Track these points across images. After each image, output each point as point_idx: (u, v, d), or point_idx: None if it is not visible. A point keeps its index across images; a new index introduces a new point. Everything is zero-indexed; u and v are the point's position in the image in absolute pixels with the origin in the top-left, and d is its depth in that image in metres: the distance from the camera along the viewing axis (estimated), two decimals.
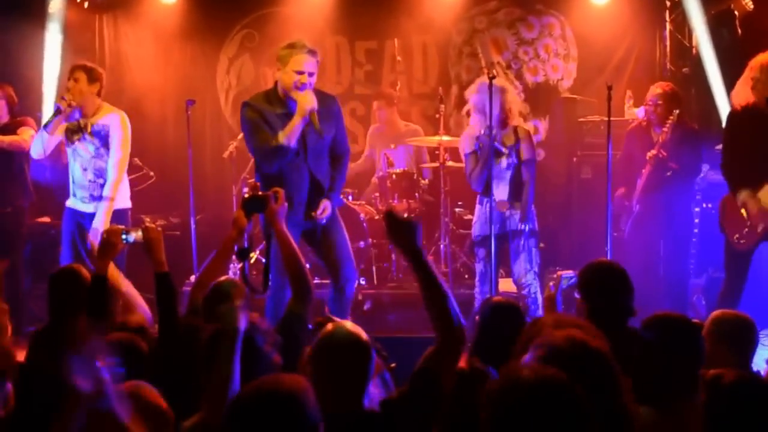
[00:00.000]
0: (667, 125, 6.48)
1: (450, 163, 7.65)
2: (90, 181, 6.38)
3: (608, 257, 6.11)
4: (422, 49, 9.42)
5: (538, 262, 6.38)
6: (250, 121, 5.38)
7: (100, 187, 6.36)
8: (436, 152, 7.80)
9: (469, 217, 8.08)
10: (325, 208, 5.44)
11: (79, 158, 6.40)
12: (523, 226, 6.26)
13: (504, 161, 6.28)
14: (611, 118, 6.44)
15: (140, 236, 4.15)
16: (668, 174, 6.55)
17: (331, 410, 2.68)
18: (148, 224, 4.31)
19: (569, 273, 4.41)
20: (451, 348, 3.06)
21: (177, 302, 4.04)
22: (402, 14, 9.10)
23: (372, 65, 9.45)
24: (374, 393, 3.21)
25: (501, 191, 6.31)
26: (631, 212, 6.79)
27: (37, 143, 6.41)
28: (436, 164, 7.72)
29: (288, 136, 5.26)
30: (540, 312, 5.93)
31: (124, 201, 6.50)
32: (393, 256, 7.70)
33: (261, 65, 9.57)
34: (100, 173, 6.36)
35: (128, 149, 6.45)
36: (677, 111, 6.52)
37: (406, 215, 3.14)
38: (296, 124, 5.26)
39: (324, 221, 5.48)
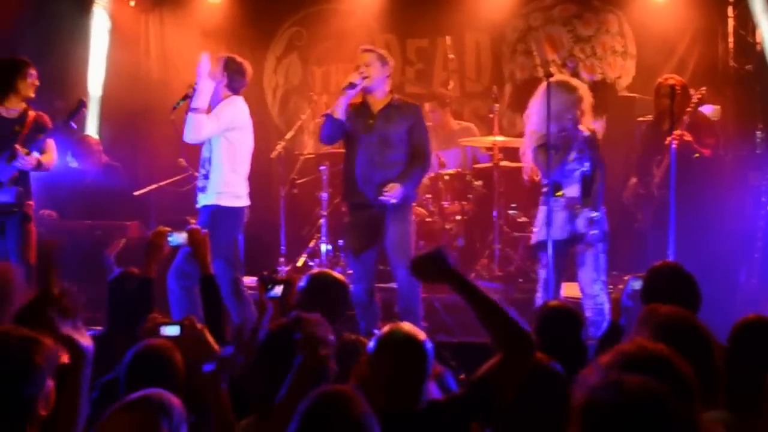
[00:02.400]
0: (692, 105, 6.42)
1: (504, 164, 7.42)
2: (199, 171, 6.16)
3: (671, 260, 5.83)
4: (475, 47, 9.20)
5: (605, 268, 6.00)
6: None
7: (204, 178, 6.05)
8: (490, 152, 7.57)
9: (523, 219, 7.86)
10: (391, 188, 5.73)
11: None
12: (592, 230, 5.93)
13: (573, 158, 5.97)
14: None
15: (185, 238, 4.06)
16: (696, 156, 6.46)
17: (388, 408, 2.75)
18: (193, 226, 4.21)
19: (637, 276, 4.22)
20: (518, 361, 2.91)
21: (221, 304, 4.08)
22: (454, 11, 8.92)
23: (423, 64, 9.26)
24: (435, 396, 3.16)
25: (571, 189, 5.99)
26: (651, 202, 6.64)
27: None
28: (490, 165, 7.49)
29: (333, 108, 5.88)
30: (606, 322, 5.66)
31: (239, 199, 6.12)
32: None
33: (309, 63, 9.45)
34: (202, 164, 6.09)
35: (225, 121, 6.04)
36: (704, 89, 6.53)
37: (428, 249, 3.05)
38: (340, 98, 5.87)
39: (389, 202, 5.74)
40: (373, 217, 5.85)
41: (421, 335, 2.99)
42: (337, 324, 4.03)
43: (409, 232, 5.91)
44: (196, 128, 5.88)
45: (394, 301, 6.78)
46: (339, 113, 5.82)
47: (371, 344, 3.01)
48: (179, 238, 4.13)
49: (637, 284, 4.16)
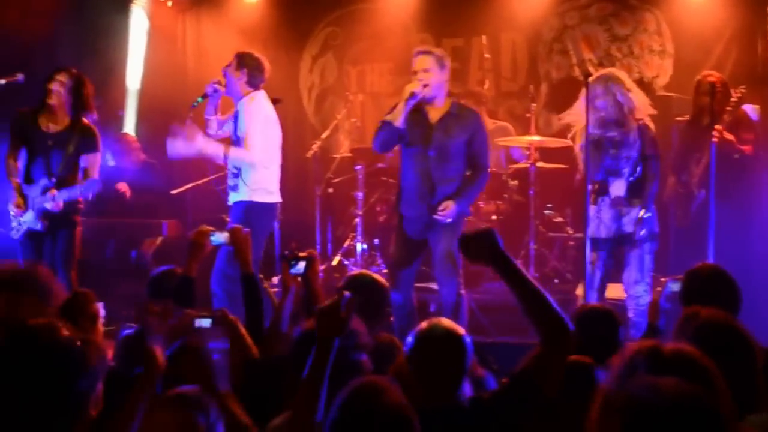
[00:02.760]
0: (732, 104, 6.33)
1: (540, 164, 7.38)
2: (228, 169, 6.11)
3: (710, 260, 5.75)
4: (511, 47, 9.16)
5: (651, 270, 5.87)
6: (388, 113, 5.77)
7: (234, 176, 6.02)
8: (526, 152, 7.53)
9: (559, 219, 7.82)
10: (446, 207, 5.55)
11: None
12: (640, 230, 5.86)
13: (621, 157, 5.87)
14: None
15: (227, 237, 4.07)
16: (736, 156, 6.37)
17: (427, 404, 2.73)
18: (235, 225, 4.24)
19: (675, 278, 4.16)
20: (558, 351, 2.91)
21: (262, 303, 4.04)
22: (490, 11, 8.88)
23: (459, 63, 9.21)
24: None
25: (617, 187, 5.88)
26: (690, 201, 6.58)
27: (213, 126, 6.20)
28: (526, 164, 7.46)
29: (392, 115, 5.58)
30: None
31: (271, 195, 6.06)
32: None
33: (344, 63, 9.47)
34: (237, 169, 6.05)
35: (259, 129, 6.00)
36: (743, 88, 6.41)
37: (480, 227, 3.03)
38: (399, 106, 5.55)
39: (444, 221, 5.55)
40: (423, 231, 5.70)
41: (460, 330, 2.98)
42: (377, 326, 4.04)
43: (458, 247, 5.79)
44: (242, 161, 5.93)
45: (430, 302, 6.80)
46: (399, 122, 5.54)
47: (410, 339, 2.99)
48: (221, 237, 4.14)
49: (676, 286, 4.10)
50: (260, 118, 6.00)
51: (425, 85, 5.57)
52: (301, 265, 4.18)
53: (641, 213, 5.81)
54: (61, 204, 6.01)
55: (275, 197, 6.10)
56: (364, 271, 4.15)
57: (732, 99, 6.38)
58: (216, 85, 6.09)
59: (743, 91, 6.46)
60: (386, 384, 2.50)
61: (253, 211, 5.91)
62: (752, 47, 8.51)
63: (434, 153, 5.63)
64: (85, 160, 6.14)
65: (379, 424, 2.40)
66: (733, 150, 6.40)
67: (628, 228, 5.83)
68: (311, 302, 4.16)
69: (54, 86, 6.03)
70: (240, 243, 4.13)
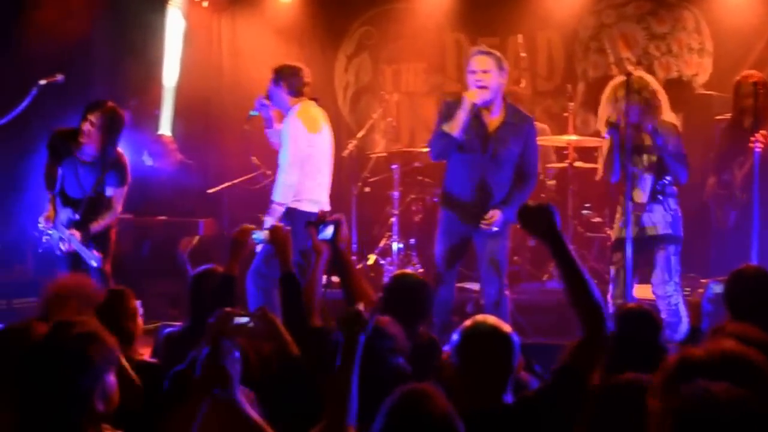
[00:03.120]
0: None
1: (578, 164, 7.32)
2: None
3: (753, 263, 5.67)
4: (547, 45, 9.10)
5: (678, 270, 5.80)
6: (439, 113, 5.77)
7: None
8: (564, 152, 7.47)
9: (597, 219, 7.75)
10: (492, 216, 5.52)
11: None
12: (663, 231, 5.79)
13: (644, 160, 5.84)
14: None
15: (268, 236, 4.08)
16: None
17: (474, 405, 2.72)
18: (277, 224, 4.24)
19: (717, 280, 4.11)
20: (598, 341, 2.89)
21: (301, 302, 3.99)
22: (525, 9, 8.83)
23: None
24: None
25: (639, 194, 5.84)
26: (732, 203, 6.50)
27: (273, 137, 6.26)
28: (564, 164, 7.40)
29: (450, 125, 5.52)
30: (684, 325, 5.53)
31: (316, 204, 6.00)
32: (516, 259, 7.40)
33: (379, 62, 9.46)
34: None
35: (293, 149, 6.04)
36: None
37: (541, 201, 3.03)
38: (459, 115, 5.49)
39: (490, 231, 5.54)
40: (469, 232, 5.68)
41: (507, 327, 2.96)
42: (420, 325, 4.02)
43: (506, 249, 5.70)
44: (286, 187, 5.98)
45: (467, 302, 6.77)
46: (458, 132, 5.52)
47: (455, 337, 2.96)
48: (263, 235, 4.15)
49: (718, 288, 4.05)
50: (292, 137, 6.04)
51: (483, 87, 5.52)
52: (329, 229, 4.19)
53: (665, 216, 5.76)
54: (71, 245, 6.02)
55: (320, 206, 5.98)
56: (408, 270, 4.11)
57: None
58: (263, 100, 6.17)
59: None
60: (432, 391, 2.47)
61: (295, 216, 5.92)
62: None
63: (490, 161, 5.61)
64: (111, 191, 6.16)
65: None
66: None
67: (650, 231, 5.78)
68: (340, 266, 4.23)
69: (86, 127, 6.03)
70: (281, 242, 4.11)
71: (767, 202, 6.24)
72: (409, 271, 4.13)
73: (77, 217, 6.08)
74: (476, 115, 5.58)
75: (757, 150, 6.05)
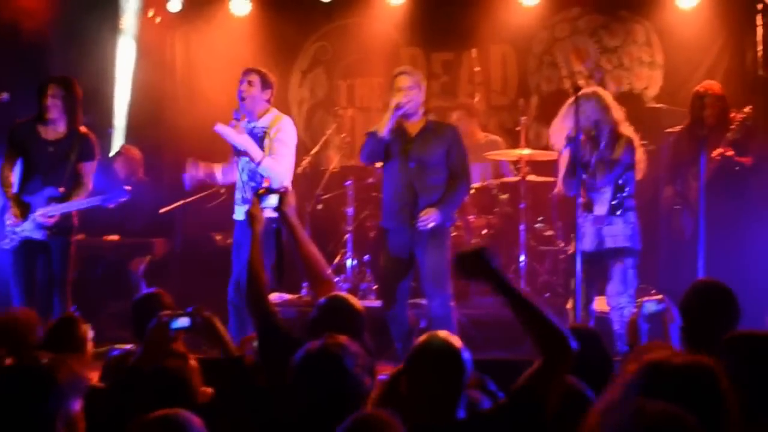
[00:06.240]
0: (736, 124, 6.41)
1: (531, 177, 7.36)
2: (243, 182, 6.08)
3: (700, 275, 5.74)
4: (501, 60, 9.16)
5: (634, 283, 5.87)
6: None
7: (252, 189, 5.92)
8: (517, 166, 7.51)
9: (549, 233, 7.79)
10: (427, 212, 5.65)
11: (246, 167, 6.08)
12: (621, 244, 5.84)
13: (604, 175, 5.84)
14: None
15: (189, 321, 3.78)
16: (737, 169, 6.46)
17: (425, 421, 2.74)
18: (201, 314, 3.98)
19: (653, 299, 4.16)
20: (560, 365, 2.89)
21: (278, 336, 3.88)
22: (480, 24, 8.85)
23: (449, 77, 9.22)
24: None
25: (600, 208, 5.88)
26: (688, 214, 6.59)
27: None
28: (517, 178, 7.43)
29: (377, 126, 5.77)
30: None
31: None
32: None
33: (335, 78, 9.46)
34: (252, 176, 6.05)
35: (292, 153, 6.15)
36: (749, 108, 6.50)
37: (475, 245, 3.05)
38: (385, 116, 5.74)
39: (424, 228, 5.64)
40: (409, 245, 5.75)
41: (458, 342, 2.95)
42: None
43: (446, 260, 5.71)
44: (274, 172, 5.92)
45: (420, 317, 6.75)
46: (385, 132, 5.71)
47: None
48: (183, 322, 3.70)
49: (653, 306, 4.10)
50: (292, 142, 6.17)
51: (410, 101, 5.75)
52: (272, 198, 4.26)
53: (623, 229, 5.82)
54: (56, 217, 6.08)
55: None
56: (339, 293, 4.07)
57: (737, 120, 6.39)
58: (236, 112, 6.08)
59: (748, 113, 6.44)
60: (387, 419, 2.46)
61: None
62: (741, 58, 8.51)
63: (414, 164, 5.77)
64: (81, 166, 6.25)
65: None
66: (733, 164, 6.40)
67: (609, 243, 5.84)
68: (288, 232, 4.38)
69: (48, 101, 6.15)
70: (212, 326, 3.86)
71: (723, 212, 6.32)
72: (339, 294, 4.07)
73: (59, 192, 6.14)
74: (398, 126, 5.80)
75: (704, 164, 6.12)
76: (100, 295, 7.25)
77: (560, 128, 5.98)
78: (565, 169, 5.88)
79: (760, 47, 8.33)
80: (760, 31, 8.33)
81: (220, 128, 5.94)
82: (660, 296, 4.28)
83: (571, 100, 5.86)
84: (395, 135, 5.79)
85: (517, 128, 7.51)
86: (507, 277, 2.97)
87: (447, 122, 6.24)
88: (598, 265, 5.88)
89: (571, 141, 5.77)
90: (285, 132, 6.11)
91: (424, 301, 6.21)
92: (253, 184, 5.99)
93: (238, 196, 6.16)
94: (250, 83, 6.09)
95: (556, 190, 6.34)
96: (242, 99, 6.05)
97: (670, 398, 2.06)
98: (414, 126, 5.87)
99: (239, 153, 6.04)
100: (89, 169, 6.29)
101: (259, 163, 5.94)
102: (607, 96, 6.01)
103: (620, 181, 5.85)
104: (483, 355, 6.04)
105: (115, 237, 7.60)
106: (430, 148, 5.81)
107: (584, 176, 5.81)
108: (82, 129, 6.28)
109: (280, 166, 5.99)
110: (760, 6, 8.30)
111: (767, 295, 6.74)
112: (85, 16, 8.36)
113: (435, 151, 5.81)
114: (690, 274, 5.69)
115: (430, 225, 5.65)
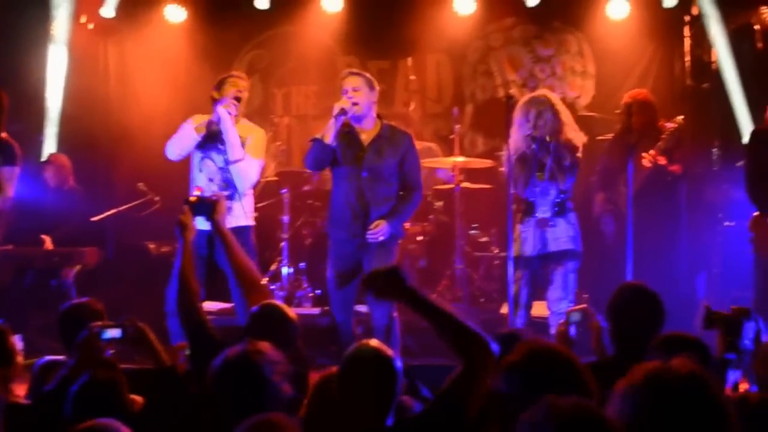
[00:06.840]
0: (668, 134, 6.50)
1: (465, 185, 7.42)
2: (206, 183, 5.94)
3: (628, 279, 5.82)
4: (436, 68, 9.23)
5: (574, 288, 5.89)
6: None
7: (229, 198, 5.83)
8: (451, 173, 7.57)
9: (484, 239, 7.86)
10: (377, 225, 5.56)
11: (206, 168, 5.98)
12: (563, 248, 5.87)
13: (546, 178, 5.85)
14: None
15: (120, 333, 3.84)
16: (669, 179, 6.57)
17: (355, 429, 2.76)
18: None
19: (578, 308, 4.24)
20: (477, 370, 2.91)
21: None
22: (415, 33, 8.90)
23: (385, 85, 9.18)
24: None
25: (543, 210, 5.89)
26: (618, 219, 6.64)
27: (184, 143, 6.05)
28: (451, 186, 7.49)
29: (322, 132, 5.59)
30: None
31: (246, 218, 6.00)
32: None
33: (270, 86, 9.44)
34: (228, 184, 5.94)
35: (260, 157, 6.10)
36: (681, 117, 6.57)
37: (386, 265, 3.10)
38: (330, 122, 5.57)
39: (374, 240, 5.56)
40: (357, 253, 5.69)
41: (389, 352, 2.97)
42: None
43: None
44: (249, 175, 5.95)
45: (356, 324, 6.76)
46: (330, 138, 5.55)
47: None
48: (114, 332, 3.75)
49: (576, 316, 4.17)
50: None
51: (355, 104, 5.61)
52: (205, 207, 4.36)
53: (566, 232, 5.86)
54: None
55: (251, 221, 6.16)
56: (271, 301, 4.06)
57: (669, 129, 6.51)
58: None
59: (680, 122, 6.55)
60: (281, 421, 2.47)
61: (251, 234, 6.05)
62: (670, 67, 8.72)
63: (367, 174, 5.65)
64: (1, 173, 6.12)
65: None
66: (666, 173, 6.51)
67: (552, 246, 5.87)
68: (219, 240, 4.43)
69: None
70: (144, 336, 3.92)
71: (653, 218, 6.43)
72: (272, 302, 4.06)
73: None
74: (350, 131, 5.69)
75: (631, 168, 6.21)
76: (29, 305, 7.10)
77: (518, 135, 5.97)
78: (522, 170, 5.88)
79: (687, 57, 8.56)
80: (687, 42, 8.55)
81: (223, 111, 5.86)
82: (584, 305, 4.33)
83: (523, 101, 5.90)
84: (347, 141, 5.69)
85: (452, 136, 7.56)
86: (420, 293, 2.99)
87: (402, 129, 5.99)
88: (540, 269, 5.91)
89: (536, 141, 5.78)
90: (259, 137, 6.11)
91: (362, 308, 6.23)
92: (227, 193, 5.87)
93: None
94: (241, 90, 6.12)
95: (512, 190, 6.26)
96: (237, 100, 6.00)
97: (674, 412, 2.10)
98: (368, 133, 5.74)
99: (210, 149, 5.96)
100: (9, 174, 6.15)
101: (236, 161, 5.86)
102: (556, 99, 6.07)
103: (562, 184, 5.90)
104: (420, 361, 6.11)
105: (45, 246, 7.46)
106: (383, 158, 5.69)
107: (535, 177, 5.83)
108: (3, 135, 6.16)
109: (251, 173, 5.97)
110: (687, 18, 8.51)
111: (694, 299, 6.93)
112: (16, 21, 8.24)
113: (388, 161, 5.70)
114: (618, 278, 5.77)
115: (380, 238, 5.58)
